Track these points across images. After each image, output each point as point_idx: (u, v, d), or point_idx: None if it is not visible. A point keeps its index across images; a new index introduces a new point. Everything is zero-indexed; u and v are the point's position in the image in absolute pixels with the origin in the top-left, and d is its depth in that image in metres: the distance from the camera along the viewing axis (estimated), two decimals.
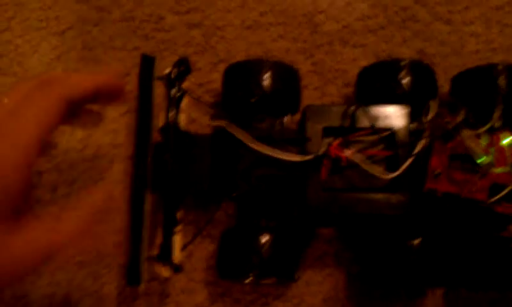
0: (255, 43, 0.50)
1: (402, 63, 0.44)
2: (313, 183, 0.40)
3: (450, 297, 0.47)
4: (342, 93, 0.50)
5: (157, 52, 0.50)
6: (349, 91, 0.49)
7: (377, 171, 0.39)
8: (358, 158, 0.39)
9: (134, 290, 0.47)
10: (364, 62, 0.49)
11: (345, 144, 0.40)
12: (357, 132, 0.40)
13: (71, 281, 0.47)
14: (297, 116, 0.45)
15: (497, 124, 0.40)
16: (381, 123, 0.41)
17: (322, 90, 0.50)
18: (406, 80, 0.43)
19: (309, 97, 0.49)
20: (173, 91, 0.42)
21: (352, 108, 0.41)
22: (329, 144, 0.39)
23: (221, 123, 0.42)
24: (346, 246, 0.47)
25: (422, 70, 0.44)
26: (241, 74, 0.44)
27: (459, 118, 0.38)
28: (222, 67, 0.49)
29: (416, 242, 0.41)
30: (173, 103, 0.41)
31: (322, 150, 0.40)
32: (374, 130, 0.40)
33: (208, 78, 0.50)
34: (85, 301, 0.47)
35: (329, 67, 0.50)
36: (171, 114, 0.41)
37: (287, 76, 0.44)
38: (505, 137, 0.40)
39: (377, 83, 0.44)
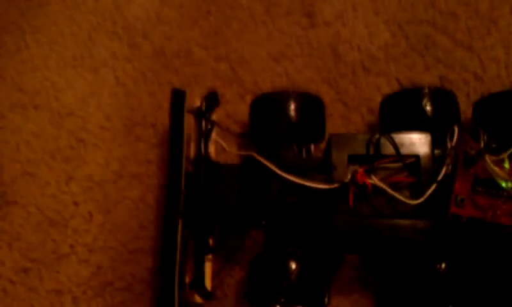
0: (280, 74, 0.52)
1: (425, 91, 0.45)
2: (341, 209, 0.41)
3: None
4: (366, 120, 0.51)
5: (186, 85, 0.51)
6: (373, 119, 0.51)
7: (402, 197, 0.40)
8: (383, 184, 0.40)
9: None
10: (387, 90, 0.50)
11: (371, 172, 0.41)
12: (382, 159, 0.42)
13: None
14: (323, 144, 0.46)
15: None
16: (405, 150, 0.42)
17: (347, 118, 0.51)
18: (428, 108, 0.44)
19: (334, 125, 0.50)
20: (203, 123, 0.44)
21: (377, 136, 0.42)
22: (355, 172, 0.40)
23: (250, 152, 0.43)
24: (372, 272, 0.47)
25: (444, 97, 0.45)
26: (268, 105, 0.45)
27: (482, 143, 0.39)
28: (249, 98, 0.51)
29: (442, 266, 0.42)
30: (204, 135, 0.43)
31: (348, 178, 0.41)
32: (399, 157, 0.41)
33: (235, 109, 0.51)
34: None
35: (353, 95, 0.51)
36: (202, 145, 0.43)
37: (312, 106, 0.46)
38: None
39: (400, 111, 0.45)
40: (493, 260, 0.43)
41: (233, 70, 0.52)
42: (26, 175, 0.51)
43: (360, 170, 0.41)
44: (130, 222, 0.50)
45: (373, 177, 0.41)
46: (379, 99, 0.49)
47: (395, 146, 0.42)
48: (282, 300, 0.42)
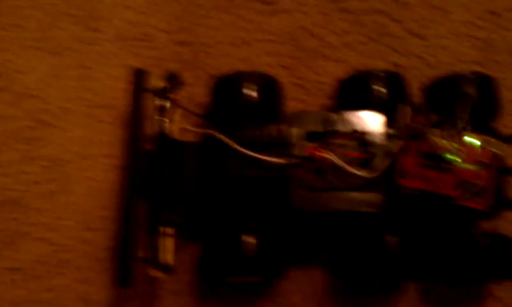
0: (241, 59, 0.54)
1: (378, 73, 0.47)
2: (296, 183, 0.43)
3: (425, 291, 0.49)
4: (324, 104, 0.52)
5: (148, 68, 0.52)
6: (330, 103, 0.52)
7: (354, 170, 0.41)
8: (337, 159, 0.42)
9: (126, 293, 0.49)
10: (344, 76, 0.52)
11: (326, 147, 0.43)
12: (337, 136, 0.43)
13: (66, 286, 0.49)
14: (282, 125, 0.48)
15: (465, 126, 0.43)
16: (359, 128, 0.44)
17: (305, 102, 0.53)
18: (381, 89, 0.46)
19: (293, 108, 0.51)
20: (164, 102, 0.45)
21: (331, 113, 0.44)
22: (311, 147, 0.42)
23: (210, 131, 0.44)
24: (325, 244, 0.49)
25: (396, 80, 0.48)
26: (228, 86, 0.47)
27: (430, 120, 0.41)
28: (210, 82, 0.52)
29: (392, 238, 0.44)
30: (165, 114, 0.44)
31: (304, 153, 0.42)
32: (353, 134, 0.43)
33: (197, 93, 0.52)
34: (78, 306, 0.49)
35: (311, 81, 0.53)
36: (162, 123, 0.44)
37: (271, 87, 0.47)
38: (473, 137, 0.43)
39: (355, 92, 0.47)
40: (440, 231, 0.45)
41: (195, 55, 0.53)
42: None
43: (316, 145, 0.42)
44: (92, 202, 0.50)
45: (328, 152, 0.42)
46: (335, 84, 0.51)
47: (348, 123, 0.44)
48: (237, 271, 0.43)
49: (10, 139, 0.51)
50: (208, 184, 0.45)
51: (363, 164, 0.43)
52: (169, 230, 0.45)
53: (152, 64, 0.53)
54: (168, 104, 0.45)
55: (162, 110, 0.45)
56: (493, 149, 0.43)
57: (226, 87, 0.47)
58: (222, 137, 0.43)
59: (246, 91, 0.46)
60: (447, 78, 0.47)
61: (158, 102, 0.45)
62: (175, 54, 0.53)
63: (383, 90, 0.46)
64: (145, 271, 0.46)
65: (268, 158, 0.42)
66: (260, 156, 0.42)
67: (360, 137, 0.44)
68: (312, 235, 0.48)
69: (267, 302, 0.49)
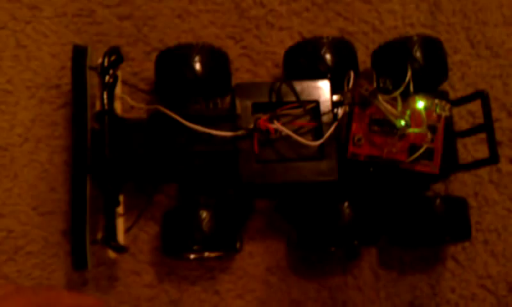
0: (186, 30, 0.52)
1: (323, 40, 0.47)
2: (246, 156, 0.42)
3: (384, 256, 0.50)
4: (271, 73, 0.52)
5: (90, 45, 0.51)
6: (278, 72, 0.52)
7: (304, 139, 0.41)
8: (286, 129, 0.42)
9: (82, 275, 0.48)
10: (290, 43, 0.52)
11: (273, 118, 0.42)
12: (284, 106, 0.43)
13: (20, 271, 0.48)
14: (229, 98, 0.47)
15: (411, 89, 0.43)
16: (306, 97, 0.44)
17: (253, 72, 0.52)
18: (328, 56, 0.46)
19: (241, 79, 0.51)
20: (107, 78, 0.43)
21: (278, 84, 0.44)
22: (258, 118, 0.42)
23: (155, 106, 0.43)
24: (283, 216, 0.49)
25: (343, 46, 0.48)
26: (172, 59, 0.46)
27: (374, 83, 0.41)
28: (155, 56, 0.51)
29: (345, 205, 0.44)
30: (107, 90, 0.43)
31: (252, 125, 0.42)
32: (300, 103, 0.43)
33: (141, 67, 0.51)
34: None
35: (258, 50, 0.53)
36: (106, 100, 0.43)
37: (217, 58, 0.47)
38: (420, 101, 0.43)
39: (302, 60, 0.47)
40: (393, 196, 0.46)
41: (137, 28, 0.52)
42: None
43: (263, 117, 0.42)
44: (39, 185, 0.49)
45: (276, 122, 0.42)
46: (283, 52, 0.50)
47: (296, 93, 0.43)
48: (195, 247, 0.43)
49: None
50: (157, 161, 0.44)
51: (312, 132, 0.44)
52: (119, 210, 0.44)
53: (95, 40, 0.51)
54: (110, 80, 0.43)
55: (105, 87, 0.44)
56: (439, 112, 0.44)
57: (169, 60, 0.46)
58: (168, 112, 0.43)
59: (190, 63, 0.45)
60: (393, 42, 0.47)
61: (101, 78, 0.44)
62: (117, 29, 0.52)
63: (329, 57, 0.46)
64: (101, 253, 0.45)
65: (215, 132, 0.42)
66: (206, 130, 0.42)
67: (308, 106, 0.43)
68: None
69: (227, 277, 0.49)
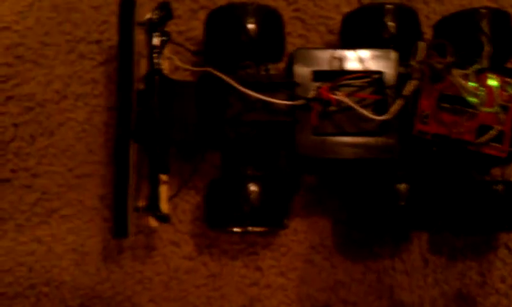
0: None
1: (387, 7, 0.43)
2: (302, 128, 0.39)
3: (435, 241, 0.47)
4: (325, 40, 0.49)
5: None
6: (332, 39, 0.49)
7: (367, 113, 0.38)
8: (350, 101, 0.39)
9: (119, 243, 0.46)
10: (347, 9, 0.48)
11: (335, 88, 0.39)
12: (346, 75, 0.40)
13: (54, 235, 0.46)
14: (281, 64, 0.44)
15: (485, 65, 0.40)
16: (370, 67, 0.40)
17: (305, 37, 0.49)
18: (390, 24, 0.43)
19: (292, 44, 0.48)
20: (156, 36, 0.40)
21: (341, 51, 0.40)
22: (319, 87, 0.39)
23: (207, 69, 0.40)
24: (332, 193, 0.47)
25: (407, 14, 0.44)
26: (225, 19, 0.43)
27: (449, 58, 0.38)
28: (202, 14, 0.48)
29: (403, 186, 0.41)
30: (157, 49, 0.40)
31: (312, 94, 0.39)
32: (364, 73, 0.40)
33: (188, 25, 0.48)
34: (68, 256, 0.46)
35: (311, 13, 0.49)
36: (155, 60, 0.40)
37: (272, 21, 0.43)
38: (492, 78, 0.40)
39: (363, 28, 0.44)
40: (452, 179, 0.43)
41: None
42: None
43: (325, 86, 0.39)
44: (76, 145, 0.46)
45: (338, 93, 0.39)
46: (338, 18, 0.47)
47: (360, 62, 0.40)
48: (241, 221, 0.41)
49: None
50: (206, 127, 0.41)
51: (375, 106, 0.40)
52: (164, 177, 0.41)
53: None
54: (159, 39, 0.40)
55: (155, 45, 0.41)
56: (511, 91, 0.41)
57: (221, 20, 0.43)
58: (221, 75, 0.39)
59: (244, 24, 0.42)
60: (459, 14, 0.44)
61: (149, 35, 0.41)
62: None
63: (393, 25, 0.43)
64: (140, 221, 0.43)
65: (273, 100, 0.39)
66: (265, 97, 0.39)
67: (372, 77, 0.40)
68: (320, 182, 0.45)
69: (270, 253, 0.47)
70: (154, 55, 0.40)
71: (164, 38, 0.40)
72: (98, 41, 0.47)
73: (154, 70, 0.40)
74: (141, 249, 0.46)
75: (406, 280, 0.47)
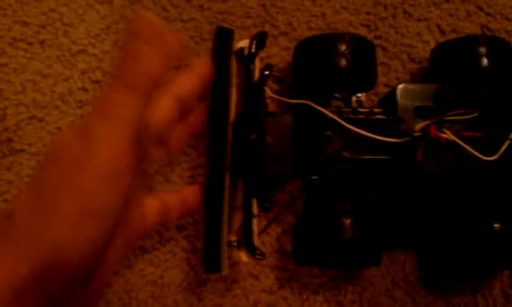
0: (316, 14, 0.48)
1: (481, 39, 0.42)
2: (406, 165, 0.38)
3: None
4: (407, 68, 0.48)
5: (214, 23, 0.46)
6: (414, 68, 0.48)
7: (477, 153, 0.37)
8: (457, 139, 0.37)
9: (198, 275, 0.44)
10: (428, 36, 0.48)
11: (441, 125, 0.38)
12: (449, 112, 0.39)
13: (130, 267, 0.44)
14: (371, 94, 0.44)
15: None
16: (475, 103, 0.39)
17: (387, 66, 0.48)
18: (486, 58, 0.41)
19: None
20: (258, 68, 0.39)
21: (446, 87, 0.39)
22: (427, 125, 0.37)
23: (306, 102, 0.39)
24: (417, 228, 0.45)
25: (501, 47, 0.43)
26: (318, 49, 0.41)
27: None
28: (282, 40, 0.47)
29: (497, 225, 0.40)
30: (260, 82, 0.38)
31: (417, 131, 0.38)
32: (469, 110, 0.39)
33: (268, 52, 0.47)
34: (146, 288, 0.44)
35: (393, 41, 0.48)
36: (259, 95, 0.38)
37: (365, 50, 0.42)
38: None
39: (454, 60, 0.42)
40: None
41: (265, 9, 0.47)
42: (33, 120, 0.45)
43: (432, 123, 0.38)
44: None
45: (446, 131, 0.38)
46: (420, 46, 0.46)
47: (463, 98, 0.39)
48: (334, 259, 0.39)
49: (59, 101, 0.45)
50: (303, 162, 0.40)
51: (474, 144, 0.39)
52: (255, 211, 0.40)
53: (219, 19, 0.47)
54: (266, 73, 0.39)
55: (249, 77, 0.39)
56: None
57: (315, 50, 0.41)
58: (324, 110, 0.38)
59: (341, 54, 0.40)
60: None
61: (246, 67, 0.39)
62: (243, 8, 0.47)
63: (487, 58, 0.41)
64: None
65: (380, 138, 0.37)
66: (370, 135, 0.37)
67: (473, 114, 0.39)
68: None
69: (351, 288, 0.45)
70: (257, 90, 0.38)
71: (266, 72, 0.39)
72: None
73: (258, 107, 0.38)
74: (220, 281, 0.45)
75: None
